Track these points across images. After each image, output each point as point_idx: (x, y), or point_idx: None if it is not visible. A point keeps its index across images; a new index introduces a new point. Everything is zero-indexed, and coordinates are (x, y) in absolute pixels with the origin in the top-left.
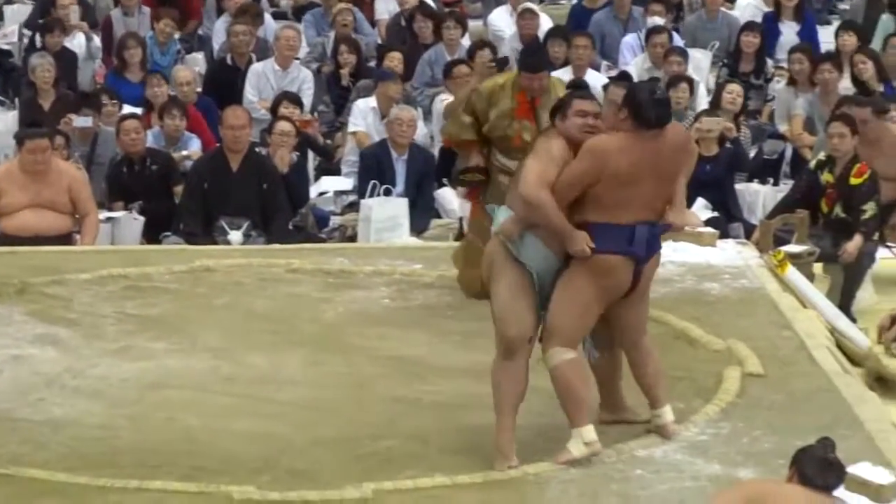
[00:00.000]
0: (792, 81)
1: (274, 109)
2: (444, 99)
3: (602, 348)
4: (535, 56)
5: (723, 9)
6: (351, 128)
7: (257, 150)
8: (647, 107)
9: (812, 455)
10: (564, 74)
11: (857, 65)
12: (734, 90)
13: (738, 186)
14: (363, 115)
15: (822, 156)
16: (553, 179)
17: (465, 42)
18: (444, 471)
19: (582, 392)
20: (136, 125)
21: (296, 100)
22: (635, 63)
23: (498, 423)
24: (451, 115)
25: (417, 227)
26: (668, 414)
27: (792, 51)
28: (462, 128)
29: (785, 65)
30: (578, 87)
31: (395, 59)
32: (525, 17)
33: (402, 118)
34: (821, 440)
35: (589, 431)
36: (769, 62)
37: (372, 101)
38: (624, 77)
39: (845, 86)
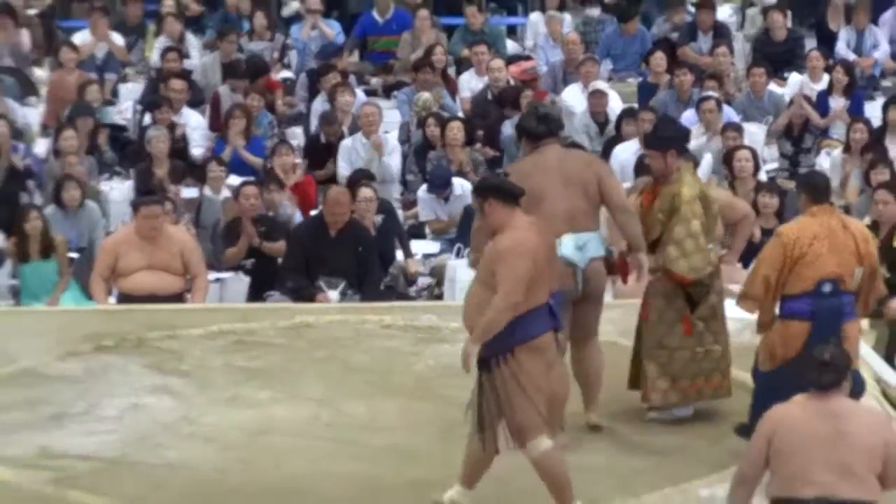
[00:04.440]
0: (847, 148)
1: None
2: None
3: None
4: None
5: (769, 88)
6: (422, 217)
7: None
8: None
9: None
10: (632, 146)
11: None
12: (742, 156)
13: None
14: (428, 205)
15: (867, 220)
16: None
17: None
18: None
19: (564, 477)
20: (255, 191)
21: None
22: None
23: None
24: None
25: None
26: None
27: (855, 120)
28: None
29: (834, 135)
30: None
31: (454, 129)
32: (596, 96)
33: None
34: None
35: None
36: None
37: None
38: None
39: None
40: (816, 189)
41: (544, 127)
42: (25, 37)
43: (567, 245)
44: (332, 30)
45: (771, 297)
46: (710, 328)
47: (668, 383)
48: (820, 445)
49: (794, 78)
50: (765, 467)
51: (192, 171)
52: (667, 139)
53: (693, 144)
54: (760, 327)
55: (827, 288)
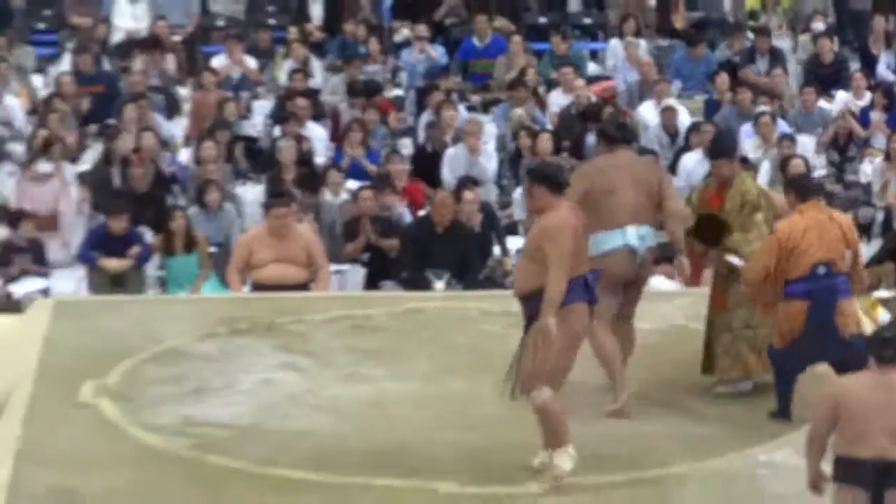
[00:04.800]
0: (887, 157)
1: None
2: None
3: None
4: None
5: (818, 104)
6: (517, 217)
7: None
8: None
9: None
10: (697, 155)
11: None
12: (795, 164)
13: None
14: (523, 207)
15: None
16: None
17: None
18: (599, 471)
19: (560, 421)
20: (371, 194)
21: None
22: (748, 144)
23: None
24: None
25: None
26: None
27: (894, 132)
28: None
29: (875, 145)
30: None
31: (544, 140)
32: (667, 112)
33: None
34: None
35: (570, 447)
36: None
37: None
38: (743, 161)
39: None
40: (802, 190)
41: (621, 134)
42: (171, 61)
43: (631, 234)
44: (437, 53)
45: (771, 282)
46: None
47: (756, 357)
48: (876, 413)
49: (841, 95)
50: (831, 429)
51: (315, 177)
52: (731, 148)
53: (752, 155)
54: (764, 307)
55: (821, 270)
